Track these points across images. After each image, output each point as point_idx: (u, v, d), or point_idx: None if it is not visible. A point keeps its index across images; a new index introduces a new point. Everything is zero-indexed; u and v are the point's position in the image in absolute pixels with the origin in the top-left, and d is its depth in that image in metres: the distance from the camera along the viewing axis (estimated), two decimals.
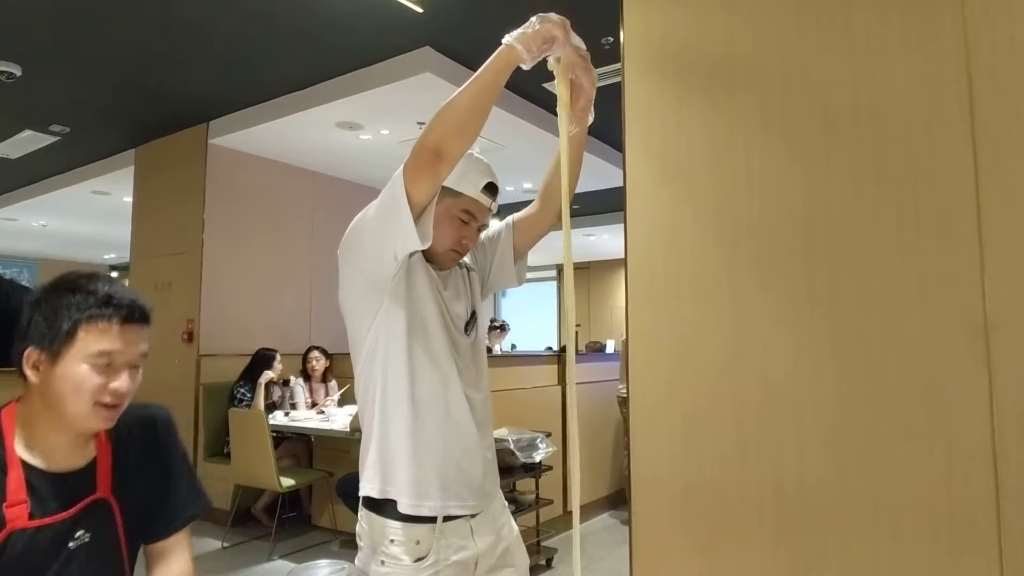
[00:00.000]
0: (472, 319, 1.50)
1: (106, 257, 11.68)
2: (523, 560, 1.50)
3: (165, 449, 1.32)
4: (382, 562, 1.31)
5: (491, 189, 1.44)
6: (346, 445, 4.44)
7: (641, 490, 2.21)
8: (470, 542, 1.37)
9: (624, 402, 4.43)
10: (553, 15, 1.20)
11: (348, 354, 1.44)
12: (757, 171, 1.97)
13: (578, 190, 1.43)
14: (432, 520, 1.31)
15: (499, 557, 1.44)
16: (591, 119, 1.39)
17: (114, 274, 12.40)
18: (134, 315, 1.16)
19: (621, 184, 2.03)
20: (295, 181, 5.83)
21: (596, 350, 7.44)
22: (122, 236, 6.04)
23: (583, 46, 1.25)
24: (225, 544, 4.29)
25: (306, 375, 5.02)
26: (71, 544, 1.15)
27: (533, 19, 1.19)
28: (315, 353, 5.01)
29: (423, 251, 1.36)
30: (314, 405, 4.92)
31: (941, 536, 1.78)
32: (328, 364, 5.12)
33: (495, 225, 1.59)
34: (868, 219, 1.97)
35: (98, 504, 1.20)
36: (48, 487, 1.14)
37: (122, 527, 1.23)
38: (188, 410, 4.98)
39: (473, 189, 1.41)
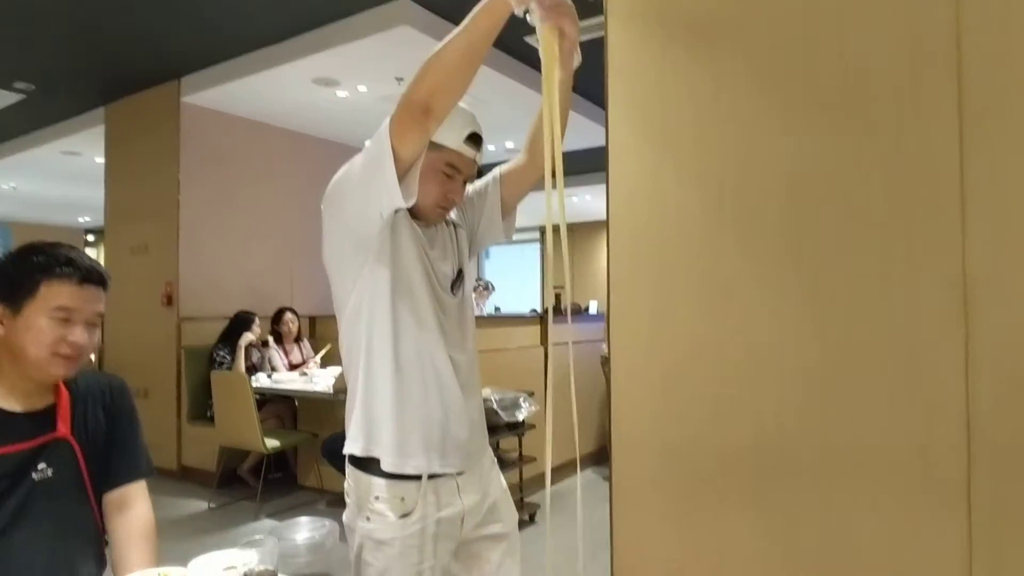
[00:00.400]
0: (459, 278, 1.47)
1: (81, 220, 11.43)
2: (511, 516, 1.51)
3: (119, 408, 1.40)
4: (368, 518, 1.32)
5: (475, 140, 1.39)
6: (330, 406, 4.44)
7: (622, 451, 2.23)
8: (456, 499, 1.38)
9: (606, 362, 4.45)
10: None
11: (333, 316, 1.43)
12: (742, 130, 1.95)
13: (561, 149, 1.39)
14: (417, 478, 1.32)
15: (486, 513, 1.45)
16: (577, 62, 1.34)
17: (90, 237, 12.20)
18: (91, 277, 1.26)
19: (604, 143, 2.00)
20: (273, 141, 5.70)
21: (575, 311, 7.47)
22: (96, 198, 5.90)
23: None
24: (211, 505, 4.31)
25: (278, 337, 4.98)
26: (34, 475, 1.23)
27: None
28: (289, 315, 4.98)
29: (408, 208, 1.33)
30: (293, 367, 4.91)
31: (915, 496, 1.83)
32: (299, 325, 5.10)
33: (482, 179, 1.55)
34: (852, 178, 1.96)
35: (60, 443, 1.28)
36: (8, 423, 1.23)
37: (85, 468, 1.30)
38: (171, 373, 4.96)
39: (455, 140, 1.35)
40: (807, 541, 1.98)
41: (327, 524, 1.32)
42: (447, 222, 1.49)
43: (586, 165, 6.97)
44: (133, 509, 1.36)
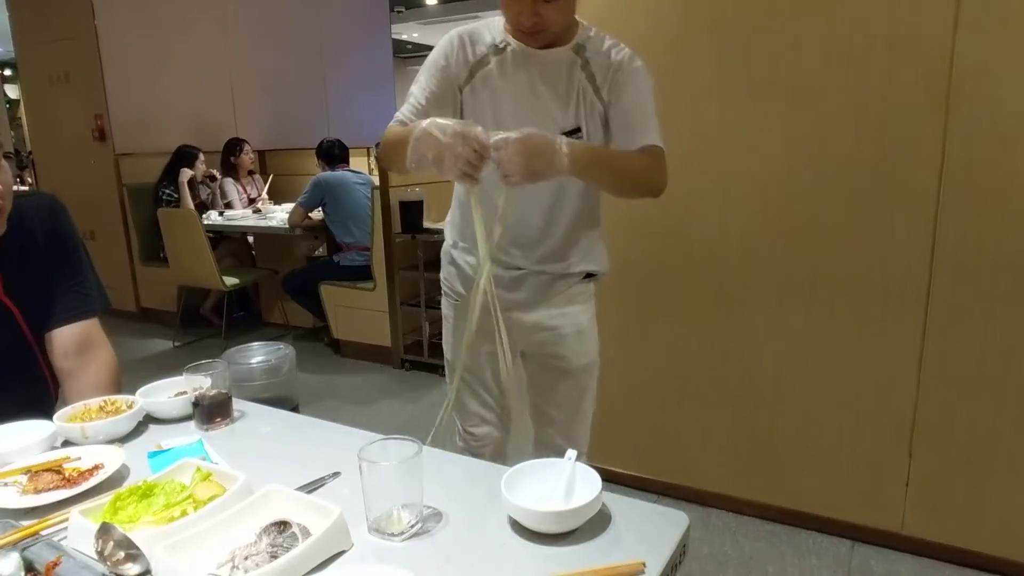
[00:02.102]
0: (573, 134, 1.29)
1: None
2: (578, 355, 1.46)
3: (56, 236, 1.23)
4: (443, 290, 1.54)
5: None
6: (287, 241, 4.34)
7: None
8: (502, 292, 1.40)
9: None
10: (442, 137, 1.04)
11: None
12: None
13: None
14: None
15: (551, 342, 1.44)
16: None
17: (8, 72, 11.16)
18: None
19: None
20: None
21: None
22: (5, 24, 5.27)
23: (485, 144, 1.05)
24: (176, 343, 4.32)
25: (230, 170, 4.66)
26: None
27: (438, 132, 1.05)
28: (247, 146, 4.66)
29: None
30: (251, 201, 4.70)
31: (872, 303, 1.86)
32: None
33: (623, 101, 1.29)
34: None
35: None
36: None
37: (28, 328, 1.19)
38: (115, 213, 4.76)
39: None
40: (764, 344, 2.03)
41: (282, 347, 1.32)
42: (586, 73, 1.29)
43: None
44: (93, 354, 1.24)
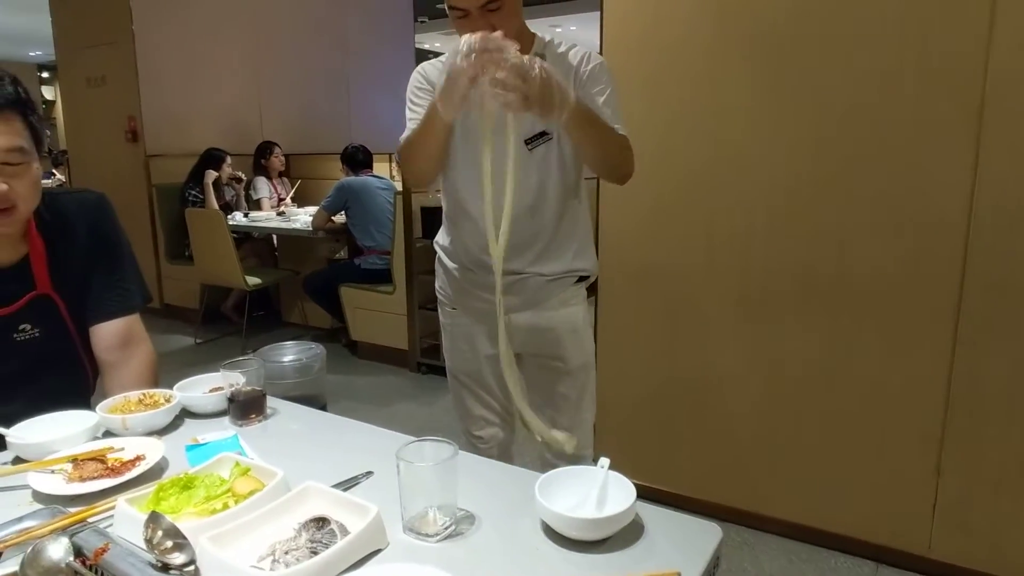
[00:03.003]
0: (540, 137, 1.34)
1: (32, 54, 10.62)
2: (575, 354, 1.49)
3: (100, 233, 1.27)
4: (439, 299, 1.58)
5: None
6: (309, 244, 4.39)
7: (607, 273, 2.22)
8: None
9: None
10: (464, 46, 1.04)
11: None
12: None
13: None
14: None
15: (547, 343, 1.48)
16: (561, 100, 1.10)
17: (45, 74, 11.43)
18: None
19: None
20: None
21: None
22: (45, 29, 5.41)
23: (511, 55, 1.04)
24: (198, 340, 4.37)
25: (262, 171, 4.72)
26: (16, 336, 1.16)
27: (446, 58, 1.09)
28: (278, 149, 4.72)
29: None
30: (280, 200, 4.75)
31: (899, 315, 1.84)
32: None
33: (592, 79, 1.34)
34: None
35: (41, 300, 1.18)
36: None
37: (71, 320, 1.22)
38: (143, 212, 4.84)
39: None
40: (788, 355, 2.01)
41: (313, 347, 1.33)
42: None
43: None
44: (134, 349, 1.27)
